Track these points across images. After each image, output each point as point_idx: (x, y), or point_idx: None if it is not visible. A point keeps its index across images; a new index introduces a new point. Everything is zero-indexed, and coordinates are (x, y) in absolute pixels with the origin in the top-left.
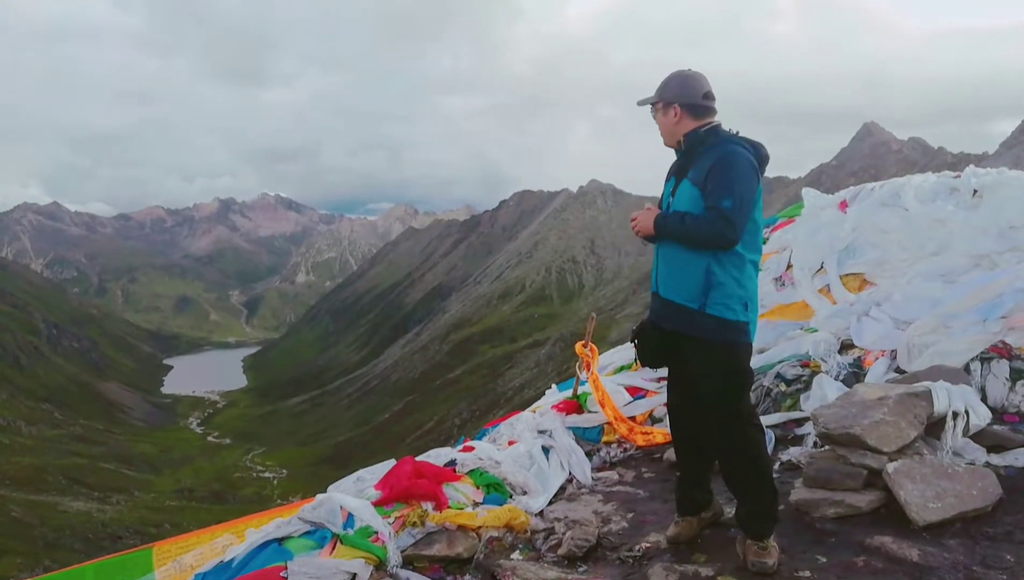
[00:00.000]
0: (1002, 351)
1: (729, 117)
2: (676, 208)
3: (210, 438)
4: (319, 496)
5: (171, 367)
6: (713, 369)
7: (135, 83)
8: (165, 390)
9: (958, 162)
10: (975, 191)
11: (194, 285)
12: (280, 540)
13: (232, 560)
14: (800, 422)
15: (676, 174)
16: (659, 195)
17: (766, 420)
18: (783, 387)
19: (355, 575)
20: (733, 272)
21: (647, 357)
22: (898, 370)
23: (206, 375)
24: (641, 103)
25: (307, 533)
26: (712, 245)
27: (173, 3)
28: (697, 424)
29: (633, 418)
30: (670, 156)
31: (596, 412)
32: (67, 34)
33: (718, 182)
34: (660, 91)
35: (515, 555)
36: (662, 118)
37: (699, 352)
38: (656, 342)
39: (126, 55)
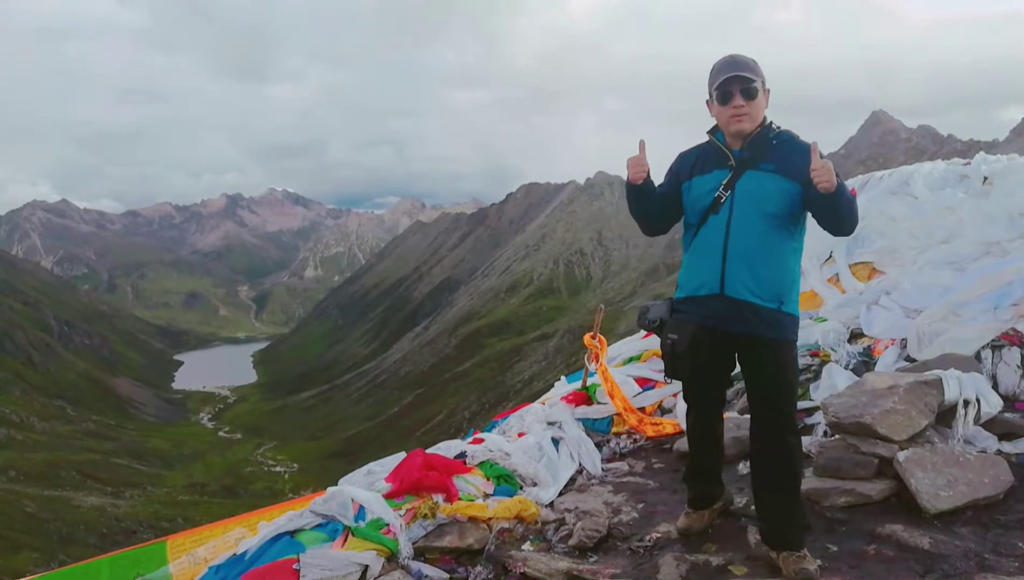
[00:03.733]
0: (1013, 339)
1: None
2: (752, 200)
3: (221, 433)
4: (330, 489)
5: (181, 363)
6: (786, 370)
7: (141, 80)
8: (176, 386)
9: (968, 149)
10: (985, 178)
11: (203, 281)
12: (292, 533)
13: (245, 553)
14: (810, 411)
15: (737, 164)
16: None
17: None
18: None
19: (367, 567)
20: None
21: (692, 367)
22: (908, 359)
23: (216, 370)
24: (744, 86)
25: (319, 526)
26: (847, 230)
27: (177, 0)
28: (720, 429)
29: (642, 409)
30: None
31: (605, 403)
32: (71, 32)
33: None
34: (755, 71)
35: (526, 546)
36: (759, 100)
37: (772, 354)
38: (710, 349)
39: (131, 53)
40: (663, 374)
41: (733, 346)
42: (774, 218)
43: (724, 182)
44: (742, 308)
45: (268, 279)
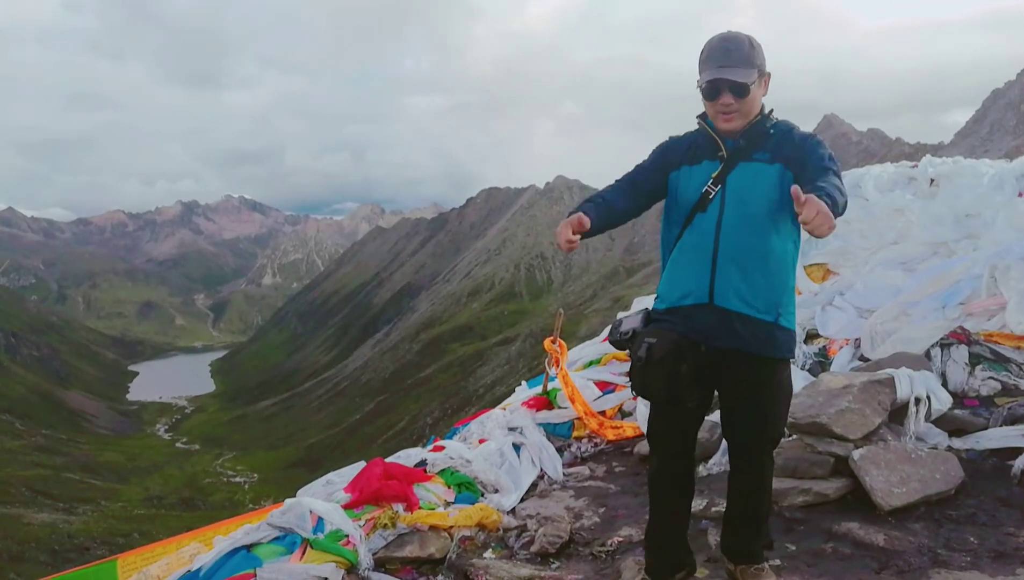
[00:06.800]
0: (961, 337)
1: (693, 113)
2: (746, 196)
3: (179, 444)
4: (288, 501)
5: (136, 373)
6: (780, 392)
7: (91, 86)
8: (131, 397)
9: (915, 152)
10: (932, 180)
11: (158, 290)
12: (249, 547)
13: (199, 569)
14: None
15: (729, 155)
16: None
17: None
18: None
19: (326, 579)
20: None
21: (669, 380)
22: (862, 358)
23: (173, 381)
24: (734, 86)
25: (276, 539)
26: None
27: (126, 5)
28: (691, 481)
29: (603, 413)
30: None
31: (566, 408)
32: (13, 37)
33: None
34: (750, 61)
35: (488, 554)
36: (757, 91)
37: (767, 374)
38: (693, 365)
39: (80, 58)
40: (630, 390)
41: (719, 367)
42: (770, 217)
43: (714, 175)
44: (733, 320)
45: (225, 287)
